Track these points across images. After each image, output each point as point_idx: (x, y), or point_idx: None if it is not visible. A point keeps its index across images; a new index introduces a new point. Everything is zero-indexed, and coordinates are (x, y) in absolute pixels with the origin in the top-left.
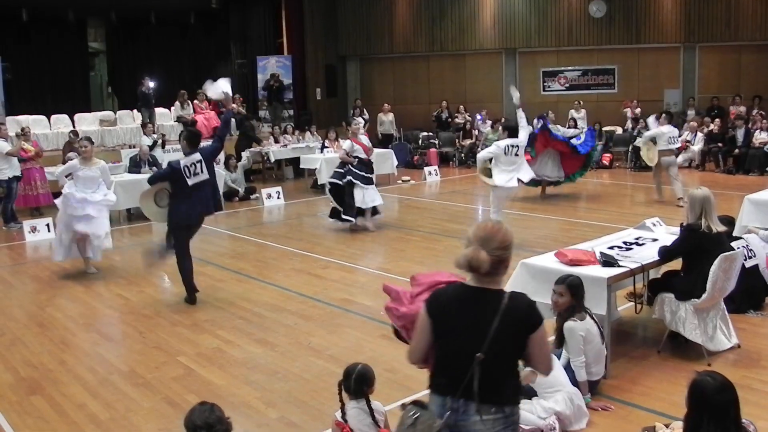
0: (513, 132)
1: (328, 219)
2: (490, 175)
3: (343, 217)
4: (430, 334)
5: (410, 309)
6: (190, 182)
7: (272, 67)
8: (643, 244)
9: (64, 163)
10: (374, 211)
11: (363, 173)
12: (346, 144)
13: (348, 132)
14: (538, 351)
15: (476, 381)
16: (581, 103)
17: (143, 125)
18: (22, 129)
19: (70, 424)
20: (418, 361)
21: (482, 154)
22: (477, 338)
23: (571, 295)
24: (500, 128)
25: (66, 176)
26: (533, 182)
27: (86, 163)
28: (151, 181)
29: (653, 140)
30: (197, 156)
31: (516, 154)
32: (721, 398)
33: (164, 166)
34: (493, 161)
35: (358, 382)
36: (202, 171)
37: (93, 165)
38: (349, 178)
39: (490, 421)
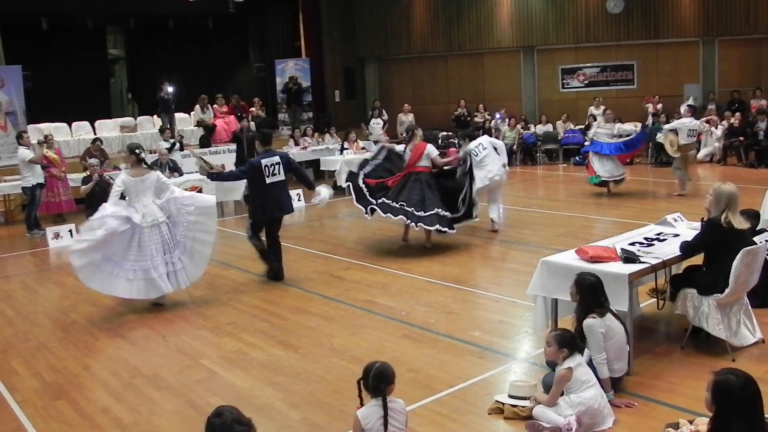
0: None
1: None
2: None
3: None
4: None
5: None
6: (268, 181)
7: (290, 70)
8: (664, 239)
9: (85, 169)
10: None
11: None
12: None
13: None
14: None
15: None
16: (600, 99)
17: (161, 130)
18: (45, 137)
19: (95, 428)
20: None
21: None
22: None
23: (578, 292)
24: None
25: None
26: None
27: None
28: (227, 177)
29: (675, 132)
30: (277, 158)
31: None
32: (747, 393)
33: (183, 169)
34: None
35: (376, 380)
36: (279, 173)
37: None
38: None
39: None
